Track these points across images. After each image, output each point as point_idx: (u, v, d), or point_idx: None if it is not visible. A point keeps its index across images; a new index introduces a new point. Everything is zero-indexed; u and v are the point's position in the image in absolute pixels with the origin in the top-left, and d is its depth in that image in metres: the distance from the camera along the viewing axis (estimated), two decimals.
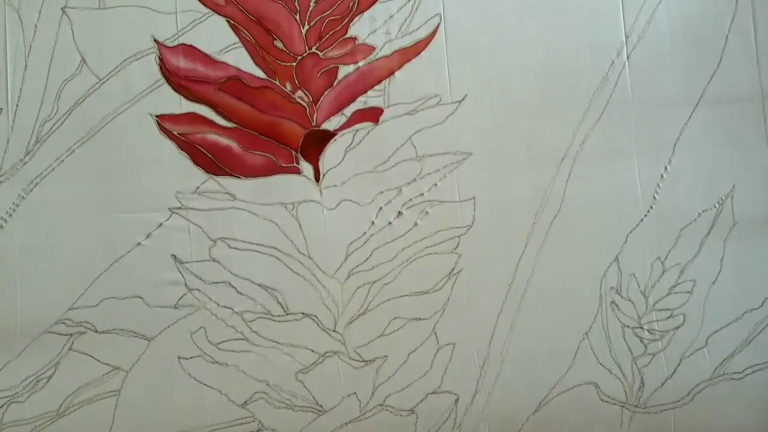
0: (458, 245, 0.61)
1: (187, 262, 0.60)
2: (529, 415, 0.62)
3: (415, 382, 0.62)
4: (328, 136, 0.60)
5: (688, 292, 0.61)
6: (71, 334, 0.59)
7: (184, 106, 0.59)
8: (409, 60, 0.59)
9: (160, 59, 0.59)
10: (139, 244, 0.59)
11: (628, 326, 0.62)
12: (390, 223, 0.60)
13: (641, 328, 0.62)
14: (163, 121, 0.59)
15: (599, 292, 0.61)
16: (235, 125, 0.59)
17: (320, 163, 0.60)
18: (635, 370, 0.62)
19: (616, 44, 0.60)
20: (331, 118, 0.60)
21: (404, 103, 0.60)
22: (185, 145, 0.59)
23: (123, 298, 0.59)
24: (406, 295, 0.61)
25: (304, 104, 0.59)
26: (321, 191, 0.60)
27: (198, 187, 0.59)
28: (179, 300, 0.60)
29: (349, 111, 0.60)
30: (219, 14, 0.59)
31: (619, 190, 0.60)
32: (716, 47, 0.60)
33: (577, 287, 0.61)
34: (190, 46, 0.59)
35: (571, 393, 0.62)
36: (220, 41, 0.59)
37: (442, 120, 0.60)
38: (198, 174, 0.59)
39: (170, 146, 0.59)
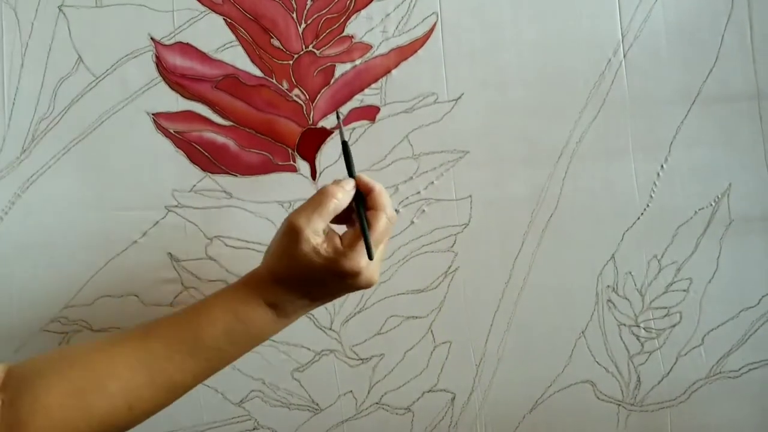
0: (455, 243, 0.61)
1: (183, 260, 0.60)
2: (525, 413, 0.62)
3: (411, 380, 0.62)
4: (325, 134, 0.60)
5: (684, 291, 0.61)
6: (67, 332, 0.59)
7: (181, 104, 0.59)
8: (405, 58, 0.59)
9: (157, 57, 0.59)
10: (135, 242, 0.59)
11: (625, 324, 0.62)
12: None
13: (638, 326, 0.62)
14: (160, 119, 0.59)
15: (596, 290, 0.61)
16: (231, 123, 0.59)
17: (317, 162, 0.60)
18: (632, 368, 0.62)
19: (612, 43, 0.60)
20: (328, 116, 0.60)
21: (401, 102, 0.60)
22: (182, 143, 0.59)
23: (119, 296, 0.59)
24: (403, 293, 0.61)
25: (301, 102, 0.59)
26: (317, 189, 0.60)
27: (194, 185, 0.59)
28: (175, 298, 0.60)
29: (345, 109, 0.60)
30: (216, 12, 0.59)
31: (616, 188, 0.60)
32: (712, 46, 0.60)
33: (574, 285, 0.61)
34: (187, 44, 0.59)
35: (567, 391, 0.62)
36: (216, 39, 0.59)
37: (439, 118, 0.60)
38: (194, 172, 0.59)
39: (167, 144, 0.59)
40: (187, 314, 0.47)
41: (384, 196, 0.48)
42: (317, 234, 0.45)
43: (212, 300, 0.48)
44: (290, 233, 0.45)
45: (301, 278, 0.46)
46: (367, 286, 0.47)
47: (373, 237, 0.46)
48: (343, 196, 0.47)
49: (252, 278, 0.48)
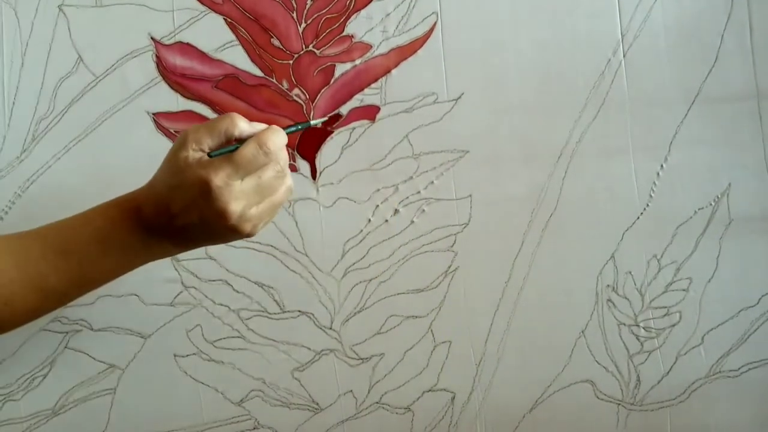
0: (454, 243, 0.61)
1: (184, 260, 0.60)
2: (525, 412, 0.62)
3: (411, 379, 0.62)
4: (325, 134, 0.60)
5: (684, 290, 0.61)
6: (67, 332, 0.59)
7: (181, 103, 0.59)
8: (405, 58, 0.60)
9: (157, 57, 0.59)
10: None
11: (625, 324, 0.62)
12: (386, 220, 0.60)
13: (637, 325, 0.62)
14: (160, 119, 0.59)
15: (595, 290, 0.61)
16: None
17: (317, 161, 0.60)
18: (631, 367, 0.62)
19: (612, 43, 0.60)
20: (328, 116, 0.60)
21: (401, 101, 0.60)
22: None
23: (119, 295, 0.59)
24: (403, 293, 0.61)
25: (301, 102, 0.59)
26: (318, 189, 0.60)
27: None
28: (175, 298, 0.60)
29: (345, 109, 0.60)
30: (216, 12, 0.59)
31: (616, 188, 0.61)
32: (712, 46, 0.60)
33: (574, 285, 0.61)
34: (187, 44, 0.59)
35: (567, 391, 0.62)
36: (216, 39, 0.59)
37: (439, 118, 0.60)
38: None
39: (167, 144, 0.59)
40: (68, 217, 0.47)
41: (269, 131, 0.46)
42: (198, 143, 0.44)
43: (96, 206, 0.47)
44: (177, 140, 0.45)
45: (167, 184, 0.45)
46: (223, 211, 0.43)
47: (235, 156, 0.44)
48: (242, 125, 0.45)
49: (135, 191, 0.47)
